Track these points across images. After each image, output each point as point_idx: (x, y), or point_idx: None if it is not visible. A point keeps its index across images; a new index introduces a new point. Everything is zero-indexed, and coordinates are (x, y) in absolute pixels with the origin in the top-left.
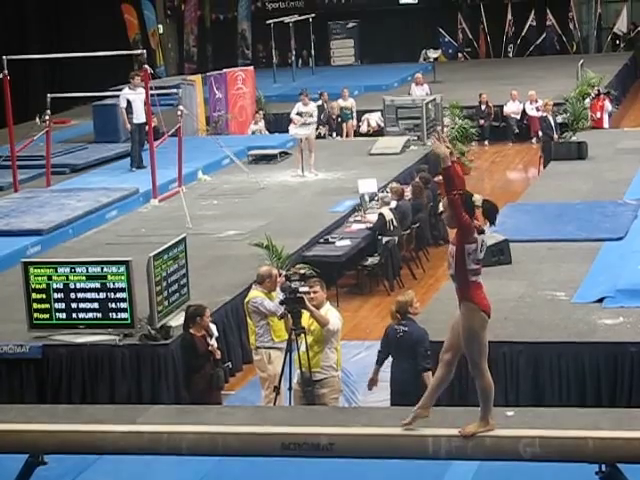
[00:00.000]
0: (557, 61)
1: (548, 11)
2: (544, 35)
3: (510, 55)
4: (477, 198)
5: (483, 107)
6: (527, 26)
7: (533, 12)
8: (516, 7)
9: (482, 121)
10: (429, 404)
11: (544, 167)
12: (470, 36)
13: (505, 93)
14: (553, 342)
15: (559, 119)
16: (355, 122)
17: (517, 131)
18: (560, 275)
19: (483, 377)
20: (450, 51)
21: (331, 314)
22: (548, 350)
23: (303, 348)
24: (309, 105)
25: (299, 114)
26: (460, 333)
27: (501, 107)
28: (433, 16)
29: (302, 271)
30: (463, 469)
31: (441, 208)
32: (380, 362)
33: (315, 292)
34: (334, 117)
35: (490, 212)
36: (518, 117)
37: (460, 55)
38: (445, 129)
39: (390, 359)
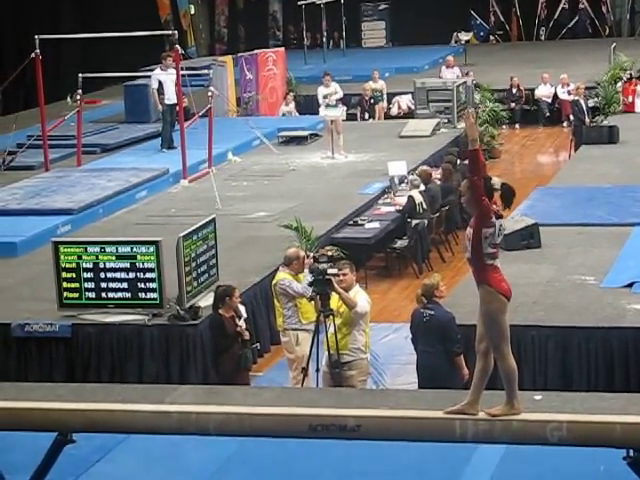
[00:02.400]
0: (589, 44)
1: None
2: (576, 18)
3: (542, 38)
4: (496, 181)
5: (514, 90)
6: (559, 9)
7: None
8: None
9: (513, 104)
10: (477, 399)
11: (575, 151)
12: (502, 19)
13: (536, 76)
14: (582, 327)
15: (590, 103)
16: (385, 104)
17: (548, 114)
18: (589, 259)
19: (505, 360)
20: (482, 34)
21: (360, 297)
22: (576, 335)
23: (331, 330)
24: (331, 86)
25: (324, 96)
26: (480, 317)
27: (532, 90)
28: None
29: (330, 253)
30: (490, 452)
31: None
32: (417, 348)
33: (345, 274)
34: (366, 99)
35: (507, 195)
36: (549, 100)
37: (492, 38)
38: (478, 110)
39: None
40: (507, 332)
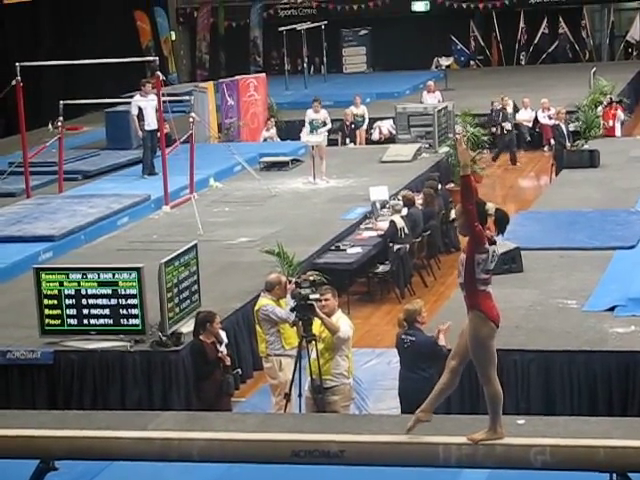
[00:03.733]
0: (569, 69)
1: (561, 19)
2: (556, 43)
3: (522, 63)
4: (490, 206)
5: (494, 115)
6: (540, 34)
7: (546, 20)
8: (528, 15)
9: (494, 129)
10: (431, 408)
11: (556, 175)
12: (482, 44)
13: (517, 101)
14: (564, 350)
15: (571, 127)
16: (365, 129)
17: (529, 139)
18: (571, 283)
19: (492, 385)
20: (462, 59)
21: (342, 322)
22: (559, 358)
23: (314, 355)
24: (320, 112)
25: (310, 122)
26: (468, 341)
27: (513, 115)
28: (445, 24)
29: (312, 278)
30: (473, 477)
31: (453, 215)
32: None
33: (327, 300)
34: (347, 124)
35: (501, 221)
36: (530, 125)
37: (472, 63)
38: (464, 137)
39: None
40: (495, 358)
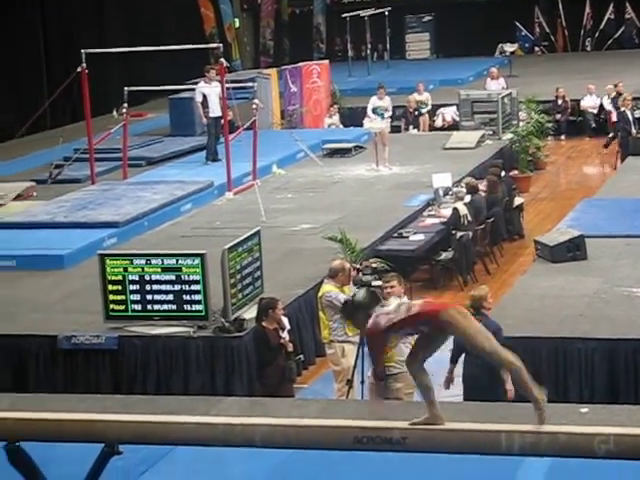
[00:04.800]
0: (636, 55)
1: (627, 4)
2: (623, 28)
3: (588, 49)
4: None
5: (560, 101)
6: (605, 19)
7: (612, 5)
8: (594, 0)
9: (558, 116)
10: (435, 410)
11: (621, 162)
12: (547, 30)
13: (582, 87)
14: (628, 339)
15: (637, 113)
16: (429, 116)
17: (594, 126)
18: (637, 271)
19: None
20: (527, 45)
21: None
22: (623, 347)
23: None
24: (385, 99)
25: (374, 109)
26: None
27: (578, 101)
28: (510, 10)
29: (374, 265)
30: (536, 465)
31: (517, 202)
32: (454, 360)
33: (392, 286)
34: (410, 111)
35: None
36: (595, 112)
37: (537, 49)
38: (521, 123)
39: (463, 355)
40: (434, 352)
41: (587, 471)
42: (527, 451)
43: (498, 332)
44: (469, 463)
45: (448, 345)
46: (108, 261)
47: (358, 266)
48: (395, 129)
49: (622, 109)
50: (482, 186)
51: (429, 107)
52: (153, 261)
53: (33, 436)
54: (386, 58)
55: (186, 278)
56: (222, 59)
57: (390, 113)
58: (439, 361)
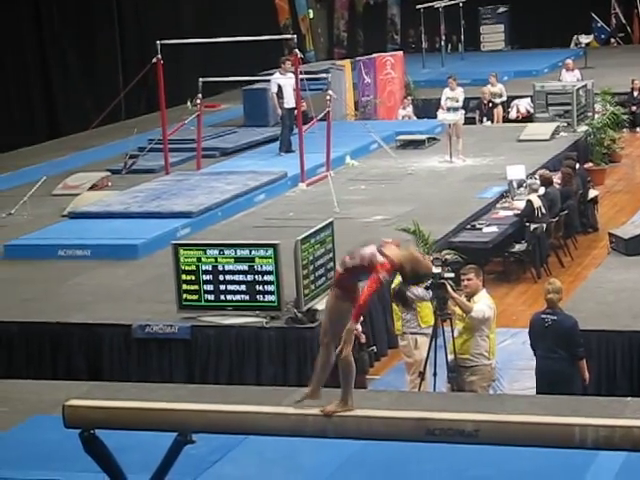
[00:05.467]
0: None
1: None
2: None
3: None
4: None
5: (635, 93)
6: None
7: None
8: None
9: (634, 108)
10: (318, 387)
11: None
12: (623, 21)
13: None
14: None
15: None
16: (502, 108)
17: None
18: None
19: (345, 358)
20: (602, 36)
21: (481, 302)
22: None
23: (454, 333)
24: (456, 90)
25: (446, 99)
26: (326, 315)
27: None
28: (585, 1)
29: (447, 257)
30: (610, 460)
31: (592, 195)
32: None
33: (469, 279)
34: (485, 102)
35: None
36: None
37: (612, 40)
38: (596, 115)
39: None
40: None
41: None
42: (601, 445)
43: (574, 326)
44: (542, 456)
45: (522, 338)
46: (182, 251)
47: (429, 257)
48: (469, 121)
49: None
50: (556, 178)
51: (503, 98)
52: (226, 251)
53: (108, 424)
54: (460, 49)
55: (259, 268)
56: (296, 50)
57: (461, 104)
58: (512, 352)
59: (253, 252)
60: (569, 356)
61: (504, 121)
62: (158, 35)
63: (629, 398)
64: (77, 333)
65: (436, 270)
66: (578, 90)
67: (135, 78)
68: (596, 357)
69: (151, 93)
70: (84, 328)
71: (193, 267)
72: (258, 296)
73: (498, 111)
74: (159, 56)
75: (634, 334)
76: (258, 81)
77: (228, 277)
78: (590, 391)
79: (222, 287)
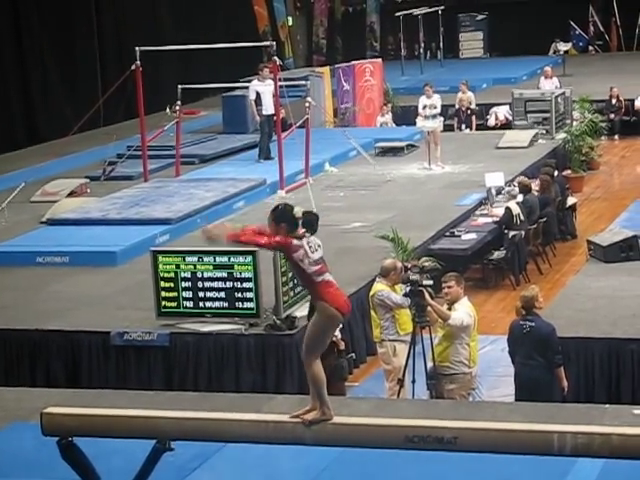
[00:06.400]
0: None
1: None
2: None
3: None
4: (297, 210)
5: (614, 101)
6: None
7: None
8: None
9: (612, 115)
10: (327, 403)
11: None
12: (601, 29)
13: (636, 87)
14: None
15: None
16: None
17: None
18: None
19: (314, 369)
20: (581, 44)
21: (461, 310)
22: None
23: (434, 341)
24: (433, 97)
25: (424, 107)
26: (309, 325)
27: (632, 101)
28: (564, 9)
29: (427, 264)
30: (588, 467)
31: (570, 202)
32: (514, 360)
33: (450, 287)
34: (463, 110)
35: (309, 223)
36: None
37: (591, 48)
38: (574, 123)
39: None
40: (325, 345)
41: None
42: (579, 452)
43: (552, 332)
44: (520, 464)
45: (501, 345)
46: (160, 258)
47: (407, 264)
48: (448, 128)
49: None
50: (535, 185)
51: (472, 106)
52: (205, 258)
53: (86, 431)
54: (439, 57)
55: (238, 276)
56: (275, 57)
57: (439, 110)
58: (491, 359)
59: (232, 259)
60: (547, 363)
61: (483, 128)
62: (137, 42)
63: (607, 405)
64: (56, 340)
65: (414, 277)
66: (557, 97)
67: (114, 85)
68: (575, 364)
69: (130, 100)
70: (62, 335)
71: (172, 274)
72: (237, 303)
73: (472, 119)
74: (138, 62)
75: (612, 341)
76: (237, 88)
77: (207, 284)
78: (569, 398)
79: (201, 294)
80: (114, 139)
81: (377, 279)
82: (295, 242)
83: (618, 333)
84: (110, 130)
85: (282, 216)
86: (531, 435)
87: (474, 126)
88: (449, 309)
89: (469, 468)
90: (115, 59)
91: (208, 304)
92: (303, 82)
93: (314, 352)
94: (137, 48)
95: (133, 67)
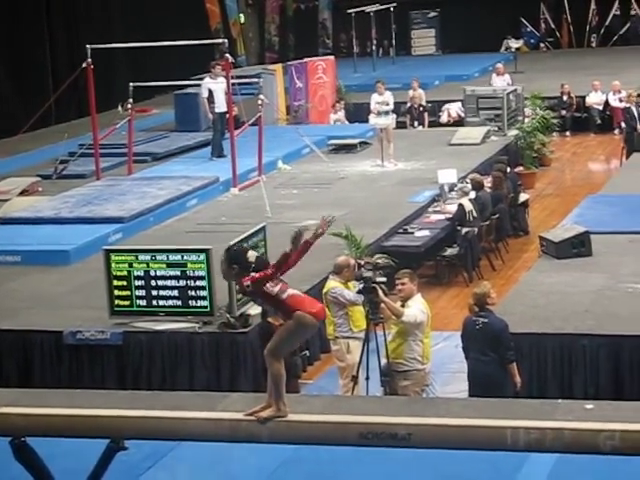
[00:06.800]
0: None
1: (633, 0)
2: (628, 25)
3: (593, 45)
4: (250, 255)
5: (565, 98)
6: (611, 15)
7: (617, 1)
8: None
9: (564, 112)
10: (283, 401)
11: (626, 158)
12: (552, 26)
13: (587, 84)
14: (634, 335)
15: None
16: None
17: (599, 122)
18: None
19: (276, 366)
20: (532, 41)
21: (414, 306)
22: (628, 343)
23: (388, 338)
24: (385, 94)
25: (376, 104)
26: (284, 325)
27: (583, 98)
28: (515, 6)
29: (379, 261)
30: (541, 461)
31: (522, 199)
32: (468, 356)
33: (403, 284)
34: (415, 107)
35: (260, 266)
36: (600, 108)
37: (542, 45)
38: (526, 119)
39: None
40: (293, 349)
41: (592, 467)
42: (532, 447)
43: (504, 329)
44: (474, 459)
45: (454, 342)
46: (113, 257)
47: (360, 262)
48: (400, 125)
49: (628, 105)
50: (487, 182)
51: (390, 107)
52: (158, 257)
53: (39, 431)
54: (391, 54)
55: (191, 274)
56: (227, 55)
57: (391, 107)
58: (444, 355)
59: (185, 257)
60: (500, 359)
61: (435, 125)
62: (88, 39)
63: (560, 400)
64: (8, 339)
65: (368, 274)
66: (508, 94)
67: (65, 82)
68: (527, 359)
69: (82, 98)
70: (15, 334)
71: (125, 273)
72: (190, 301)
73: (424, 116)
74: (89, 60)
75: (565, 337)
76: (189, 86)
77: (160, 282)
78: (521, 393)
79: (154, 292)
80: (66, 137)
81: (330, 276)
82: (255, 275)
83: (570, 329)
84: (62, 128)
85: (236, 258)
86: (485, 431)
87: (426, 123)
88: (402, 306)
89: (424, 464)
90: (67, 57)
91: (161, 302)
92: (255, 79)
93: (281, 354)
94: (88, 46)
95: (84, 65)
